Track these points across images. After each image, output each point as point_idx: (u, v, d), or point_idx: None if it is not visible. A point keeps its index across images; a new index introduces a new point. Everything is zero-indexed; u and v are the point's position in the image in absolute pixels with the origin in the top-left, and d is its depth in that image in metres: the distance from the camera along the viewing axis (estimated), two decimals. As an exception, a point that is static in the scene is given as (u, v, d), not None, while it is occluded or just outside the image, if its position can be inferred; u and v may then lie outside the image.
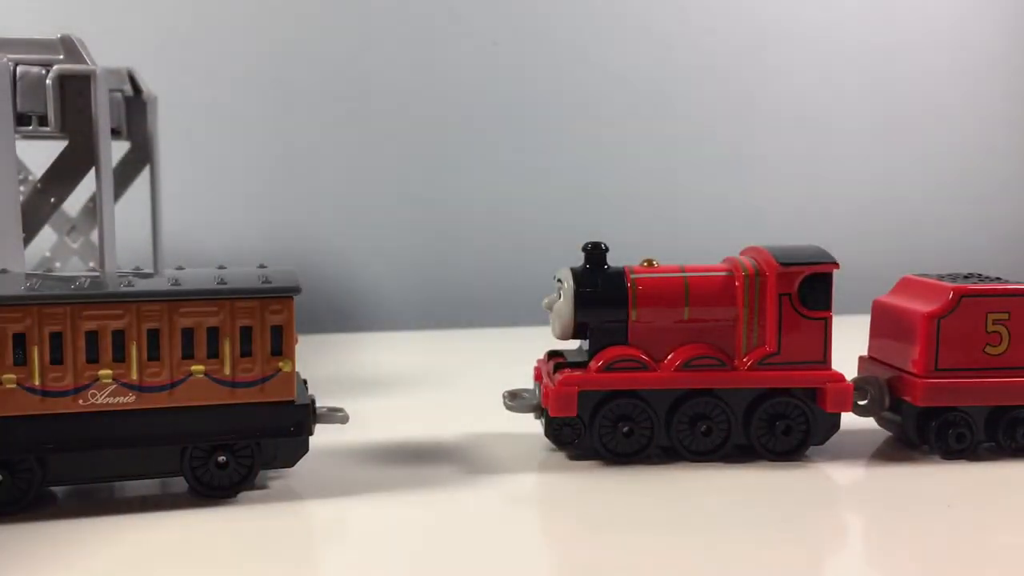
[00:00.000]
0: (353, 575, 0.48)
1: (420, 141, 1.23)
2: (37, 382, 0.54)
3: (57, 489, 0.58)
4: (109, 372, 0.55)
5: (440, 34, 1.22)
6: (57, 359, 0.54)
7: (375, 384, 0.89)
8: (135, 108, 0.85)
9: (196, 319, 0.56)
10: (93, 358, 0.55)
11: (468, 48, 1.23)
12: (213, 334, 0.56)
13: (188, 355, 0.56)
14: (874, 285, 0.78)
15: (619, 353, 0.64)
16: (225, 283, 0.57)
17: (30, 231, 0.74)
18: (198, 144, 1.17)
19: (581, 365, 0.65)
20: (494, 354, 1.02)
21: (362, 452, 0.67)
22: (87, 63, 0.73)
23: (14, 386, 0.54)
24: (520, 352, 0.78)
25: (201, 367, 0.56)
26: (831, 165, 1.33)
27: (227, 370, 0.57)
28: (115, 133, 0.81)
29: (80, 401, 0.55)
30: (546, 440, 0.66)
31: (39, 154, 0.79)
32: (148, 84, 0.86)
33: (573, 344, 0.68)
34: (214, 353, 0.56)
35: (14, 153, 0.70)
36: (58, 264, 0.93)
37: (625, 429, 0.64)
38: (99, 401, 0.55)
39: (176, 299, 0.56)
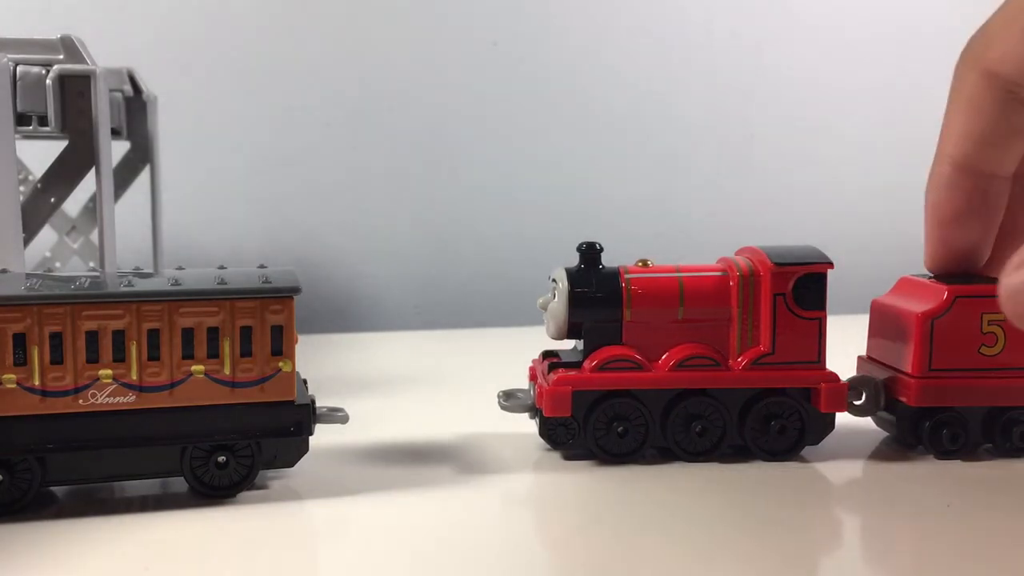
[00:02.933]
0: (353, 575, 0.49)
1: (420, 141, 1.23)
2: (37, 382, 0.54)
3: (57, 489, 0.59)
4: (109, 372, 0.55)
5: (440, 34, 1.22)
6: (57, 359, 0.54)
7: (375, 384, 0.89)
8: (135, 108, 0.85)
9: (196, 319, 0.56)
10: (93, 358, 0.55)
11: (468, 48, 1.23)
12: (213, 334, 0.56)
13: (188, 355, 0.56)
14: (874, 285, 0.78)
15: (613, 353, 0.64)
16: (225, 283, 0.57)
17: (30, 231, 0.74)
18: (198, 144, 1.17)
19: (575, 365, 0.65)
20: (490, 354, 1.02)
21: (362, 452, 0.67)
22: (87, 63, 0.73)
23: (14, 386, 0.54)
24: (515, 352, 0.78)
25: (201, 367, 0.56)
26: (831, 166, 1.33)
27: (227, 370, 0.57)
28: (115, 133, 0.81)
29: (80, 401, 0.55)
30: (541, 440, 0.66)
31: (39, 154, 0.79)
32: (148, 84, 0.86)
33: (568, 344, 0.68)
34: (214, 353, 0.57)
35: (14, 153, 0.70)
36: (58, 264, 0.93)
37: (620, 429, 0.64)
38: (99, 401, 0.55)
39: (176, 299, 0.56)
